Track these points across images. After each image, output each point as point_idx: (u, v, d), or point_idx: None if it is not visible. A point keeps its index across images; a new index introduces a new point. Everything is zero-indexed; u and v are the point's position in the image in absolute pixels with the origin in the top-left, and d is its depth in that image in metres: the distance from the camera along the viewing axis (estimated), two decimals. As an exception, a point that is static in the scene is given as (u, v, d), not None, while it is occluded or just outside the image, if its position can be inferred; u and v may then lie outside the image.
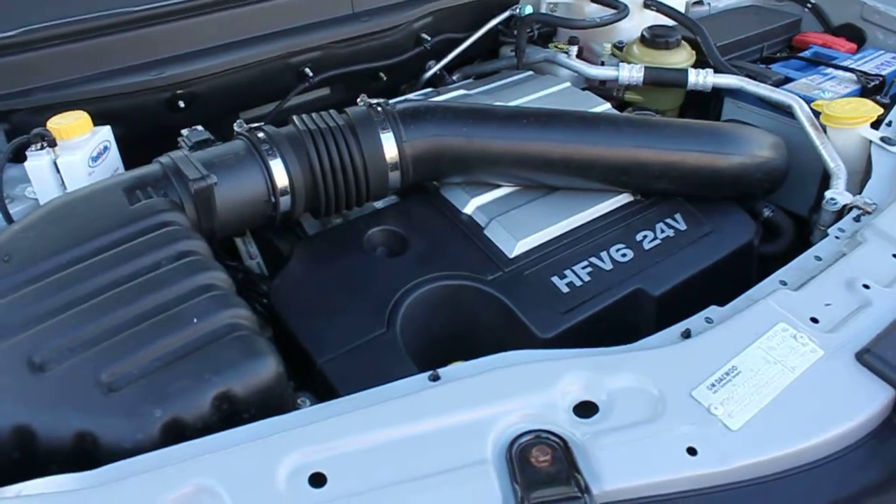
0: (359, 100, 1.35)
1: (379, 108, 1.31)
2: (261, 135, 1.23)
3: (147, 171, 1.15)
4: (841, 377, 0.92)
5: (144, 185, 1.12)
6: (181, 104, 1.49)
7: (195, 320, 0.94)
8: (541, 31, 2.02)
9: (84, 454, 0.81)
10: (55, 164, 1.22)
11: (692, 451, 0.83)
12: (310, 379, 1.11)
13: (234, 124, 1.26)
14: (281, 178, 1.21)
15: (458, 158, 1.32)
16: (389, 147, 1.28)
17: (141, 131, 1.44)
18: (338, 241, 1.30)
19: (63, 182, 1.23)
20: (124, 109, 1.43)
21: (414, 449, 0.81)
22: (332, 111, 1.30)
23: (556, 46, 1.95)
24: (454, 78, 1.94)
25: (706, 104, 1.87)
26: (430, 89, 1.80)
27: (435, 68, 1.89)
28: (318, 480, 0.77)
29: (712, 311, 1.06)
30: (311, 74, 1.64)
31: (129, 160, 1.34)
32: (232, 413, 0.88)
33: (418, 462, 0.80)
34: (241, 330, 0.94)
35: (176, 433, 0.84)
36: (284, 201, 1.22)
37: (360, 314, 1.16)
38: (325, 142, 1.24)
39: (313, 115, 1.29)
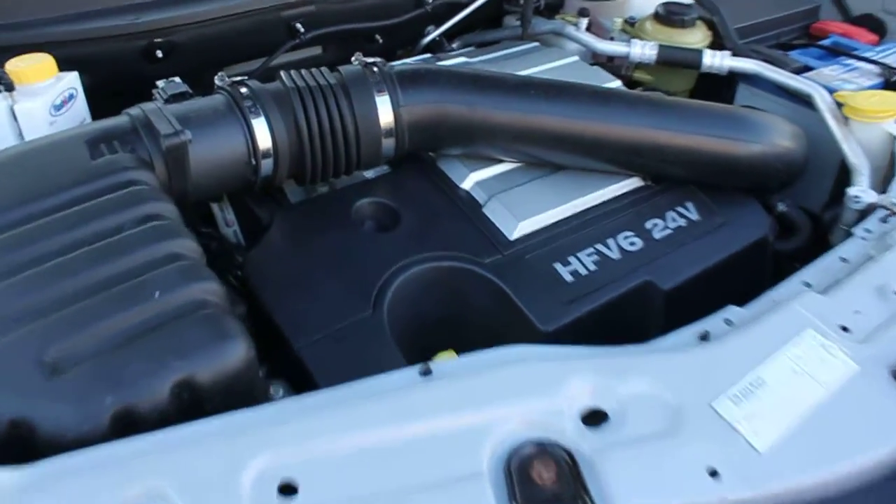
0: (353, 58, 1.23)
1: (375, 69, 1.19)
2: (244, 90, 1.11)
3: (114, 123, 1.04)
4: (877, 396, 0.83)
5: (110, 138, 1.00)
6: (159, 54, 1.37)
7: (157, 294, 0.82)
8: (548, 2, 1.90)
9: (19, 445, 0.70)
10: (12, 110, 1.10)
11: (714, 473, 0.73)
12: (285, 363, 1.01)
13: (216, 77, 1.14)
14: (263, 139, 1.09)
15: (458, 128, 1.21)
16: (384, 111, 1.17)
17: (113, 81, 1.32)
18: (323, 211, 1.19)
19: (20, 131, 1.11)
20: (95, 56, 1.31)
21: (399, 457, 0.71)
22: (323, 69, 1.19)
23: (564, 18, 1.83)
24: (454, 45, 1.83)
25: (718, 88, 1.76)
26: (428, 55, 1.68)
27: (434, 33, 1.78)
28: (288, 490, 0.67)
29: (731, 311, 0.97)
30: (302, 31, 1.52)
31: (98, 113, 1.22)
32: (193, 403, 0.77)
33: (404, 473, 0.70)
34: (208, 308, 0.83)
35: (127, 424, 0.73)
36: (266, 164, 1.11)
37: (343, 293, 1.05)
38: (313, 101, 1.13)
39: (302, 71, 1.17)
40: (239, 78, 1.13)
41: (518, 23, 1.79)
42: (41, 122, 1.11)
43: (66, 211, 0.89)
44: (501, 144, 1.24)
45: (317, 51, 1.67)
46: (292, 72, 1.16)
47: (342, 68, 1.19)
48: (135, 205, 0.91)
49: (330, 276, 1.08)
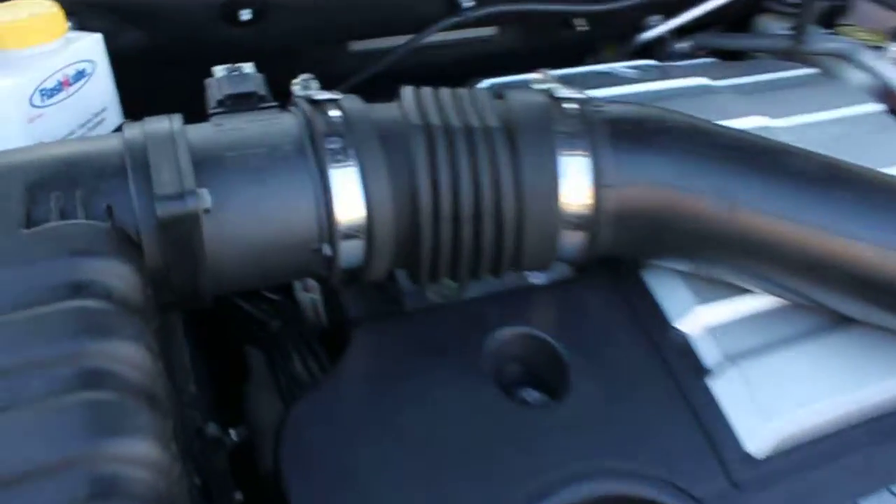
0: (535, 76, 0.73)
1: (572, 107, 0.68)
2: (333, 114, 0.63)
3: (94, 149, 0.58)
4: None
5: (73, 182, 0.55)
6: (245, 15, 0.91)
7: None
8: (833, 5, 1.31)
9: None
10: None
11: None
12: None
13: (293, 84, 0.67)
14: (350, 207, 0.61)
15: (702, 235, 0.68)
16: (576, 185, 0.66)
17: (174, 49, 0.89)
18: (436, 337, 0.70)
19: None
20: (151, 10, 0.87)
21: None
22: (479, 92, 0.69)
23: (853, 34, 1.23)
24: (684, 47, 1.28)
25: None
26: (646, 62, 1.14)
27: (661, 28, 1.24)
28: None
29: None
30: (469, 5, 1.02)
31: (145, 100, 0.78)
32: None
33: None
34: None
35: None
36: (350, 251, 0.63)
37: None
38: (450, 150, 0.63)
39: (443, 92, 0.68)
40: (329, 94, 0.64)
41: (786, 32, 1.22)
42: (12, 117, 0.67)
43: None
44: (768, 274, 0.70)
45: (490, 31, 1.17)
46: (425, 91, 0.67)
47: (512, 96, 0.69)
48: (70, 340, 0.47)
49: (422, 486, 0.60)
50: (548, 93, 0.69)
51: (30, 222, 0.53)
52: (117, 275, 0.52)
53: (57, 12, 0.72)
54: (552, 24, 1.17)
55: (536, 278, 0.76)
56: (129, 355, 0.49)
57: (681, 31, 1.30)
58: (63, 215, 0.54)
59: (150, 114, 0.63)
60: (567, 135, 0.65)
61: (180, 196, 0.54)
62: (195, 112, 0.68)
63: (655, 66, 1.11)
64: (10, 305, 0.48)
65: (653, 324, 0.73)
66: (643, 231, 0.68)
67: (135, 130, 0.59)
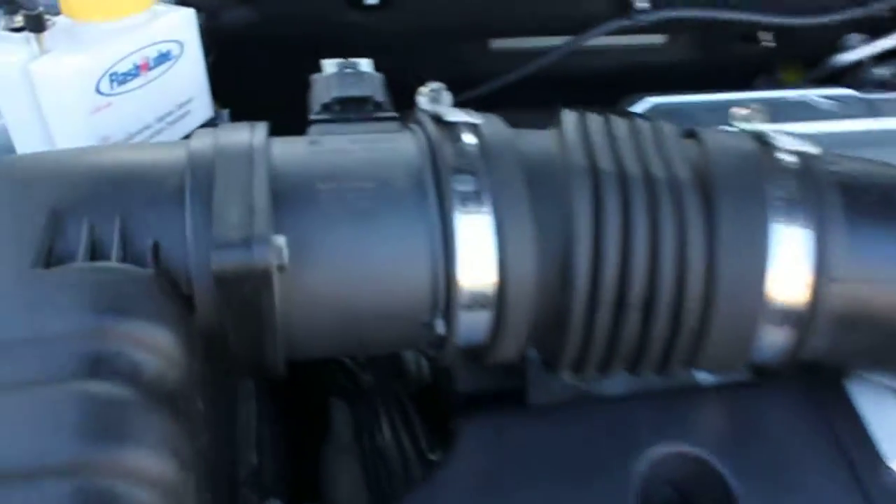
0: (737, 111, 0.54)
1: (792, 161, 0.49)
2: (467, 142, 0.47)
3: (147, 163, 0.44)
4: None
5: (115, 205, 0.41)
6: (371, -1, 0.77)
7: None
8: None
9: None
10: (28, 72, 0.54)
11: None
12: None
13: (419, 94, 0.51)
14: (476, 270, 0.45)
15: None
16: (791, 270, 0.47)
17: (282, 32, 0.75)
18: (569, 446, 0.53)
19: (44, 117, 0.56)
20: None
21: None
22: (666, 128, 0.51)
23: None
24: (884, 74, 1.07)
25: None
26: (844, 92, 0.93)
27: (864, 50, 1.03)
28: None
29: None
30: (643, 7, 0.84)
31: (239, 92, 0.66)
32: None
33: None
34: None
35: None
36: (472, 325, 0.47)
37: None
38: (623, 207, 0.46)
39: (617, 124, 0.50)
40: (464, 115, 0.48)
41: None
42: (72, 105, 0.54)
43: None
44: None
45: (658, 38, 1.00)
46: (593, 121, 0.50)
47: (709, 137, 0.50)
48: (74, 444, 0.35)
49: None
50: (758, 136, 0.50)
51: (50, 259, 0.39)
52: (153, 345, 0.38)
53: (144, -21, 0.58)
54: (733, 36, 0.98)
55: (703, 376, 0.58)
56: (149, 472, 0.35)
57: (881, 55, 1.09)
58: (94, 252, 0.40)
59: (243, 109, 0.49)
60: (784, 200, 0.47)
61: (246, 244, 0.39)
62: (296, 112, 0.54)
63: (858, 99, 0.90)
64: (4, 380, 0.35)
65: (859, 457, 0.54)
66: (874, 340, 0.49)
67: (205, 141, 0.44)
